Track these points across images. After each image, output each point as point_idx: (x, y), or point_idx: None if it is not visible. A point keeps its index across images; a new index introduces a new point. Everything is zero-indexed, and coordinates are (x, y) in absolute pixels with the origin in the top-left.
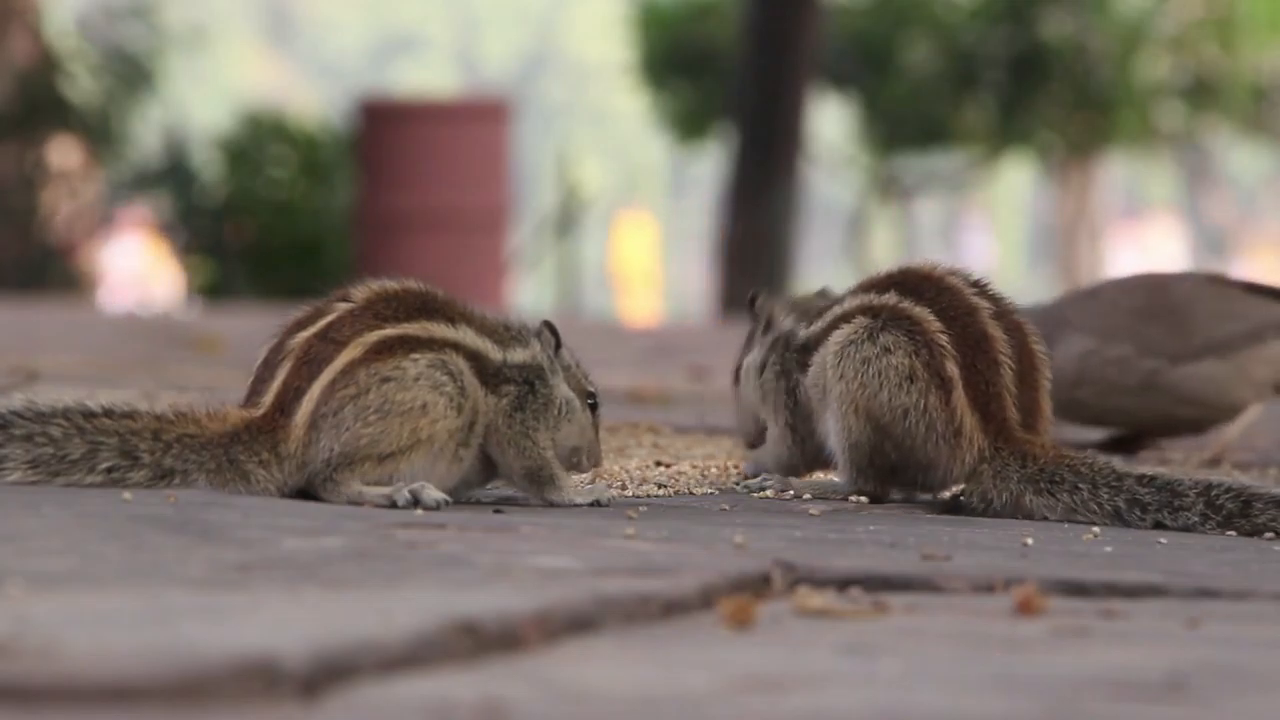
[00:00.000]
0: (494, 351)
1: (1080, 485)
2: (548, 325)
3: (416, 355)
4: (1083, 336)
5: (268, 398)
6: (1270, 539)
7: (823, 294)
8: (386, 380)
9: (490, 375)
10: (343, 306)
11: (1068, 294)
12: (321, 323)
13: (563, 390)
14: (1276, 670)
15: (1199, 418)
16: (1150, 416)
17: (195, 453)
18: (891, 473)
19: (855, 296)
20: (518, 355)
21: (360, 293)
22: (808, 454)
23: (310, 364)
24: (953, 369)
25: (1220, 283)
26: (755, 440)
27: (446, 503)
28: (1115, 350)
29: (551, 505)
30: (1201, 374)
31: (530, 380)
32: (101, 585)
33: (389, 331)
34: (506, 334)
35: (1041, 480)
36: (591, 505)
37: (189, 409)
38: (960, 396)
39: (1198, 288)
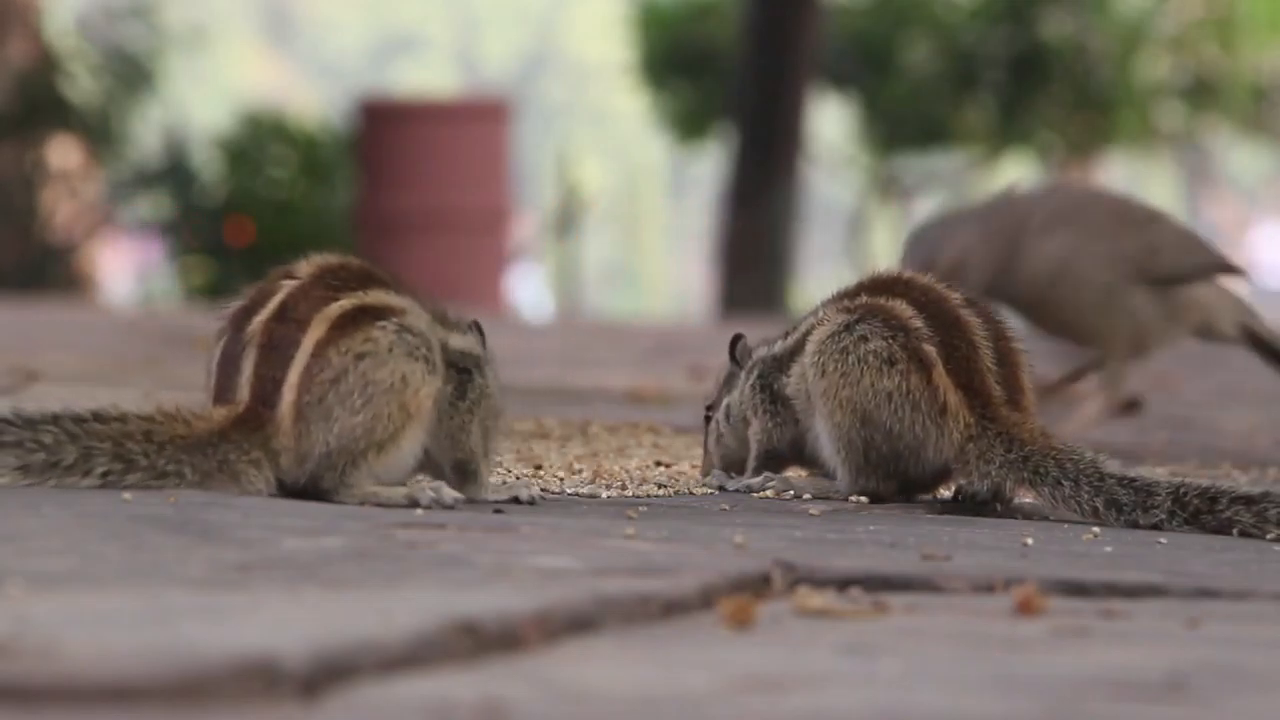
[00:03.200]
0: (439, 332)
1: (1063, 481)
2: (476, 324)
3: (382, 323)
4: (1065, 230)
5: (243, 392)
6: (1272, 539)
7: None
8: (361, 358)
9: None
10: (290, 284)
11: (1003, 197)
12: (273, 304)
13: (496, 384)
14: (1276, 670)
15: (1112, 338)
16: (1084, 328)
17: (188, 454)
18: (888, 467)
19: (826, 306)
20: (458, 341)
21: (304, 268)
22: (795, 444)
23: (276, 349)
24: (930, 349)
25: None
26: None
27: (460, 501)
28: (1096, 245)
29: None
30: (1151, 299)
31: (469, 369)
32: (101, 585)
33: (346, 303)
34: (445, 318)
35: (1025, 469)
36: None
37: (176, 409)
38: (941, 374)
39: (1155, 211)
